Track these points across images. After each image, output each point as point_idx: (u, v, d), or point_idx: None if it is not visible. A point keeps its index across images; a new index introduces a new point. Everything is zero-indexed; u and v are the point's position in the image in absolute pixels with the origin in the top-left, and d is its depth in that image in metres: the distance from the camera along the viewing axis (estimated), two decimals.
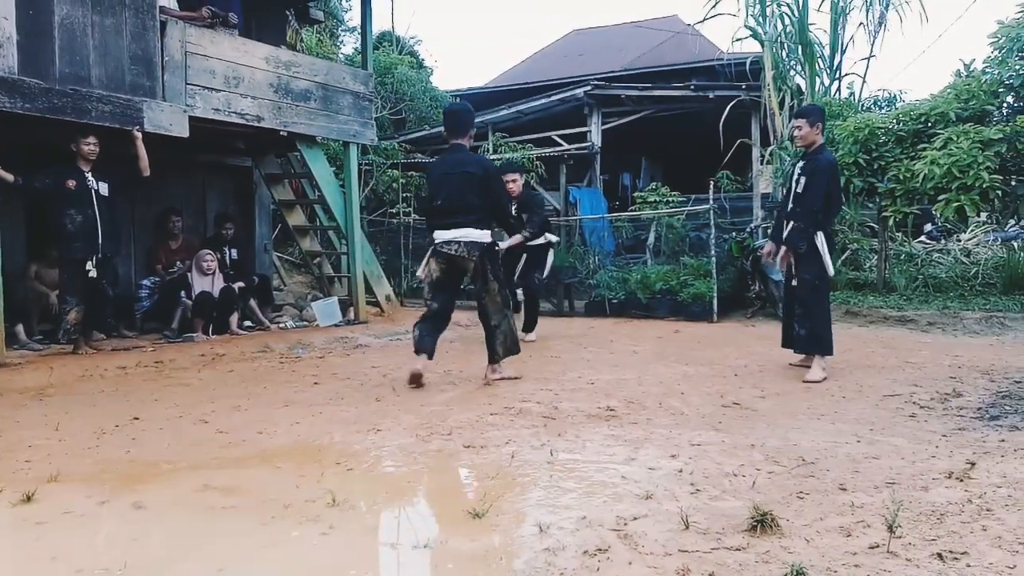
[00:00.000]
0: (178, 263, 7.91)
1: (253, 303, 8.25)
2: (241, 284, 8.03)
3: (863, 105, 12.48)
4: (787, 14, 11.74)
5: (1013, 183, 8.30)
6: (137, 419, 4.30)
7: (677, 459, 3.37)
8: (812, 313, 5.29)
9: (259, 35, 8.84)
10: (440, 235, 5.18)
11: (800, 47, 11.71)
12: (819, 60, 11.97)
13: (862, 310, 8.73)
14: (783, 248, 5.45)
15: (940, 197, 8.09)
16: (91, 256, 6.30)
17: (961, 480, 2.98)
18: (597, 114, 13.77)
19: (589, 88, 13.50)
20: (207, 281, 7.62)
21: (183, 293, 7.55)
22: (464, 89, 19.28)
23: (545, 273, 7.83)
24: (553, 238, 7.80)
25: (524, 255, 7.42)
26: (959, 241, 11.74)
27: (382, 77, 14.75)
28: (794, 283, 5.42)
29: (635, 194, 13.24)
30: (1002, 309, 8.33)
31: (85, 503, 2.89)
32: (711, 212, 9.51)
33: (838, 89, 12.44)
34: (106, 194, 6.42)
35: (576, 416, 4.25)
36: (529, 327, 7.55)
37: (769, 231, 6.01)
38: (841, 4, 11.99)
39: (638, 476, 3.13)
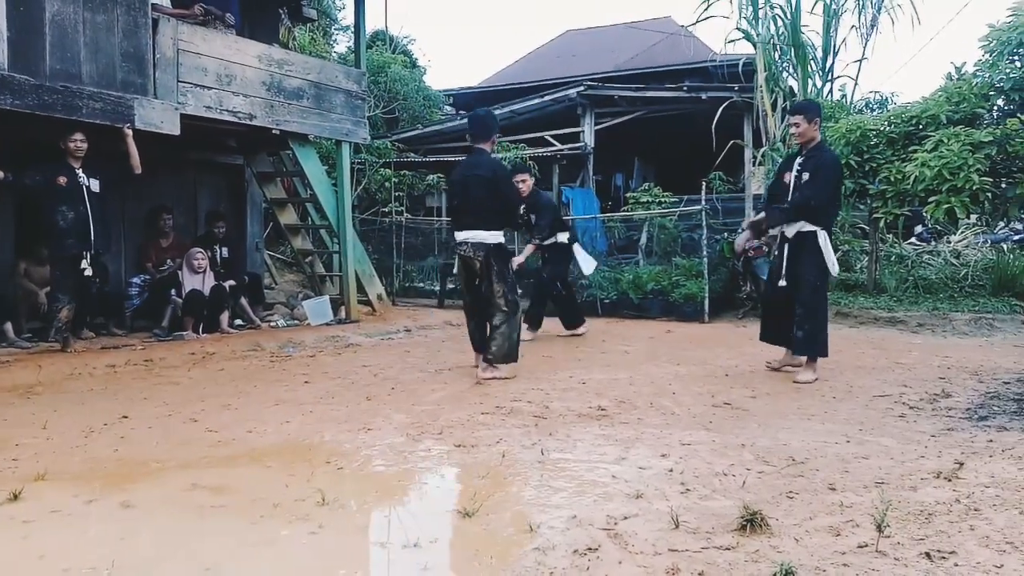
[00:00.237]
0: (169, 261, 7.87)
1: (244, 301, 8.22)
2: (232, 282, 8.00)
3: (855, 107, 12.54)
4: (780, 16, 11.76)
5: (1003, 185, 8.35)
6: (126, 418, 4.28)
7: (667, 459, 3.37)
8: (815, 315, 5.19)
9: (252, 33, 8.81)
10: (457, 236, 5.54)
11: (793, 49, 11.74)
12: (811, 62, 12.01)
13: (853, 311, 8.77)
14: (747, 232, 5.49)
15: (930, 199, 8.13)
16: (84, 252, 6.26)
17: (949, 480, 2.99)
18: (590, 114, 13.78)
19: (582, 88, 13.51)
20: (198, 279, 7.58)
21: (173, 291, 7.51)
22: (458, 89, 19.28)
23: (587, 270, 8.11)
24: (564, 237, 7.72)
25: (545, 257, 7.69)
26: (949, 243, 11.80)
27: (375, 76, 14.73)
28: (782, 283, 5.27)
29: (628, 194, 13.25)
30: (991, 311, 8.38)
31: (73, 502, 2.87)
32: (703, 213, 9.54)
33: (830, 91, 12.50)
34: (97, 190, 6.39)
35: (567, 415, 4.25)
36: (572, 323, 7.72)
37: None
38: (833, 7, 12.04)
39: (628, 475, 3.13)
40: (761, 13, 11.78)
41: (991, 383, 5.08)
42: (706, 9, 12.19)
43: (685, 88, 12.85)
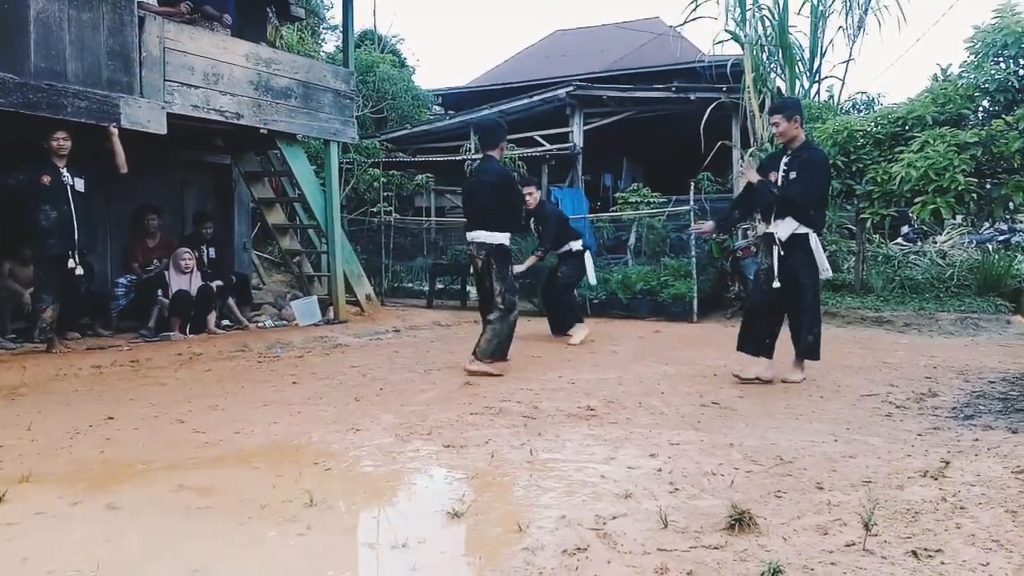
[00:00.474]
0: (155, 261, 7.81)
1: (231, 302, 8.17)
2: (219, 283, 7.95)
3: (842, 108, 12.62)
4: (767, 17, 11.83)
5: (988, 186, 8.43)
6: (112, 419, 4.24)
7: (656, 458, 3.38)
8: (818, 319, 5.15)
9: (240, 32, 8.74)
10: (467, 236, 5.93)
11: (780, 50, 11.81)
12: (799, 63, 12.08)
13: (840, 311, 8.83)
14: (711, 223, 5.64)
15: (916, 199, 8.19)
16: (68, 252, 6.20)
17: (936, 479, 3.01)
18: (579, 115, 13.80)
19: (571, 89, 13.53)
20: (185, 279, 7.53)
21: (160, 291, 7.45)
22: (446, 88, 19.27)
23: (593, 280, 8.23)
24: (576, 246, 7.72)
25: (558, 264, 7.82)
26: (935, 243, 11.89)
27: (363, 75, 14.69)
28: (776, 284, 5.03)
29: (616, 195, 13.28)
30: (976, 310, 8.45)
31: (58, 504, 2.84)
32: (692, 213, 9.57)
33: (817, 92, 12.59)
34: (82, 190, 6.32)
35: (556, 415, 4.25)
36: (569, 325, 7.64)
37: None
38: (820, 8, 12.12)
39: (617, 475, 3.14)
40: (749, 14, 11.84)
41: (977, 382, 5.12)
42: (694, 10, 12.24)
43: (673, 89, 12.89)
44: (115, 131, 6.40)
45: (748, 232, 9.90)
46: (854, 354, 6.42)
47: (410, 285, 12.44)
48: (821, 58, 12.30)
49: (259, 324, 8.45)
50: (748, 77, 11.42)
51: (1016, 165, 8.19)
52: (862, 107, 14.18)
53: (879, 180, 8.59)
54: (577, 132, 13.77)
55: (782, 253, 5.07)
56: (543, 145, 13.92)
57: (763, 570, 2.16)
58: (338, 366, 6.11)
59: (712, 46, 13.36)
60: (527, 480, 3.11)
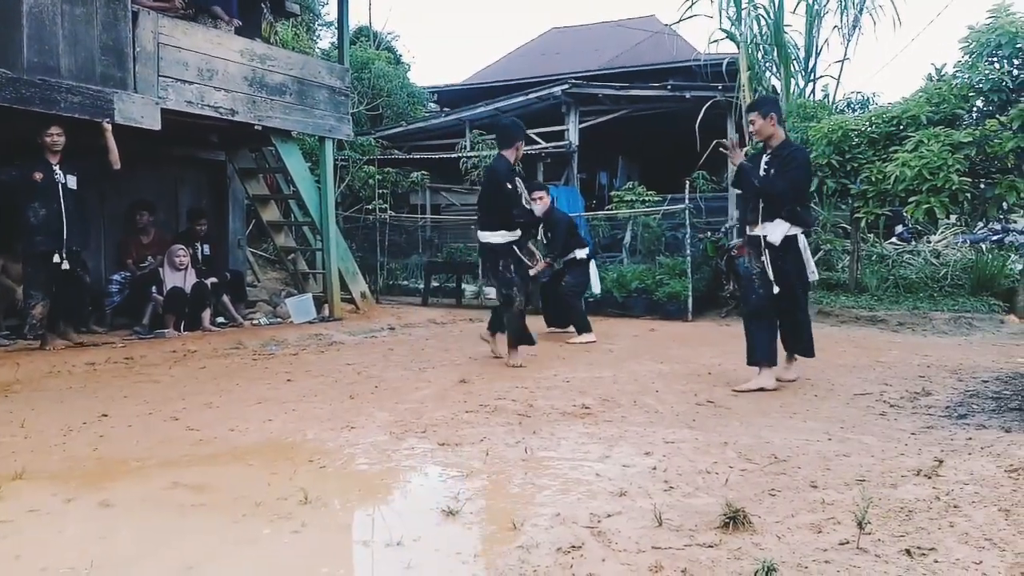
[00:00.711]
0: (149, 258, 7.78)
1: (226, 299, 8.15)
2: (214, 280, 7.93)
3: (837, 107, 12.63)
4: (763, 16, 11.83)
5: (982, 186, 8.45)
6: (106, 416, 4.23)
7: (651, 457, 3.38)
8: (808, 318, 5.18)
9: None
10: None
11: (775, 49, 11.81)
12: (794, 62, 12.09)
13: (834, 310, 8.85)
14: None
15: (911, 199, 8.21)
16: (56, 249, 6.16)
17: (929, 477, 3.02)
18: (575, 113, 13.78)
19: (567, 87, 13.51)
20: (179, 276, 7.51)
21: (154, 288, 7.43)
22: (442, 86, 19.25)
23: (597, 289, 8.27)
24: (581, 254, 7.68)
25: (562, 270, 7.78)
26: (929, 242, 11.93)
27: (359, 72, 14.66)
28: (776, 289, 4.86)
29: (612, 193, 13.27)
30: (970, 310, 8.48)
31: (51, 501, 2.83)
32: (687, 212, 9.58)
33: (812, 91, 12.59)
34: (74, 187, 6.28)
35: (551, 414, 4.25)
36: (577, 328, 7.60)
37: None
38: (816, 7, 12.12)
39: (612, 473, 3.14)
40: (744, 13, 11.85)
41: (970, 381, 5.13)
42: (689, 8, 12.25)
43: (669, 87, 12.88)
44: (109, 127, 6.37)
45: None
46: (848, 353, 6.43)
47: (405, 283, 12.43)
48: (816, 57, 12.31)
49: (254, 321, 8.44)
50: (743, 76, 11.44)
51: (1010, 165, 8.23)
52: (857, 106, 14.19)
53: (874, 179, 8.61)
54: (573, 130, 13.75)
55: (771, 256, 4.89)
56: (539, 143, 13.89)
57: (757, 568, 2.16)
58: (333, 364, 6.10)
59: (708, 44, 13.39)
60: (522, 478, 3.11)
